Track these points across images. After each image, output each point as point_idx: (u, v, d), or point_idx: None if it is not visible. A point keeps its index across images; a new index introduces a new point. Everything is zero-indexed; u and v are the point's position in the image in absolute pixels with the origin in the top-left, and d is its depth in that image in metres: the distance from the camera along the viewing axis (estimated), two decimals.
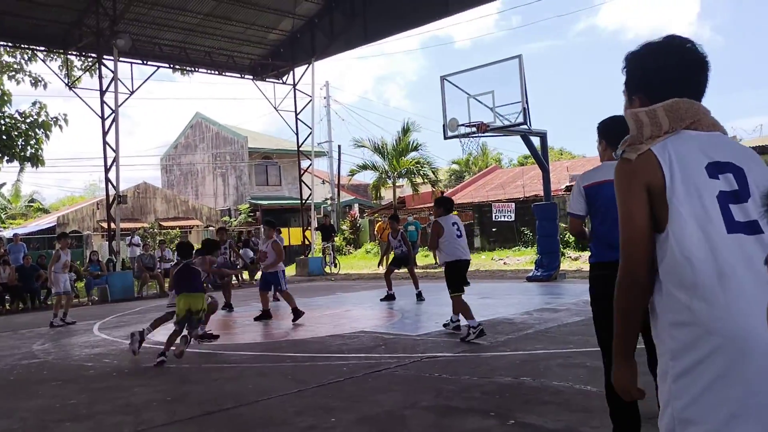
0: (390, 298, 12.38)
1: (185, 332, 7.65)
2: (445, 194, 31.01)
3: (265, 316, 10.83)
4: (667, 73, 1.77)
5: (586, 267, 14.19)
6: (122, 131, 18.24)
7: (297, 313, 10.18)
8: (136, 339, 8.14)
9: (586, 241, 4.15)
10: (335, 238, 25.44)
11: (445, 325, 8.57)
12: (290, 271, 22.72)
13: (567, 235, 21.23)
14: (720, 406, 1.49)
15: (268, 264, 10.67)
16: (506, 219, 20.61)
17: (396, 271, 13.29)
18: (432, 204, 22.56)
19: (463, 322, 8.00)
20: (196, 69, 21.90)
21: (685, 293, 1.56)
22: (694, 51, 1.78)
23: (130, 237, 22.29)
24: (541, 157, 15.48)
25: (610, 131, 3.81)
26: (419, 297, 12.04)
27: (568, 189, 23.48)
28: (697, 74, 1.79)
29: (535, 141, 15.47)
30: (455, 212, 8.59)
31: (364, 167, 29.28)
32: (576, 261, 18.66)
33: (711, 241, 1.56)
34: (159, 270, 18.43)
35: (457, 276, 7.83)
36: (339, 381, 5.97)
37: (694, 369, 1.53)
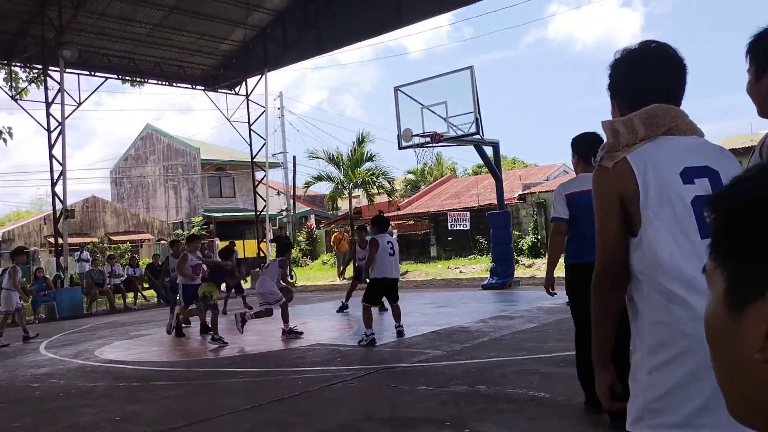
0: (343, 308, 12.27)
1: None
2: (401, 204, 31.13)
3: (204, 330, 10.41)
4: (642, 77, 1.78)
5: (540, 273, 14.48)
6: (70, 144, 17.73)
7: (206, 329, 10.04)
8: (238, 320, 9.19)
9: (559, 246, 4.68)
10: (291, 251, 25.20)
11: (359, 343, 8.30)
12: (245, 283, 22.42)
13: (521, 243, 21.52)
14: (690, 399, 1.53)
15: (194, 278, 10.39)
16: (461, 228, 20.77)
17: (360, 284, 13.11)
18: (388, 213, 22.58)
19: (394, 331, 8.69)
20: (146, 80, 21.52)
21: (662, 296, 1.61)
22: (671, 55, 1.79)
23: (78, 252, 21.67)
24: (494, 166, 15.66)
25: (581, 146, 4.48)
26: (381, 307, 11.72)
27: (522, 197, 23.82)
28: (673, 78, 1.80)
29: (488, 150, 15.64)
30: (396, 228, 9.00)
31: (320, 178, 29.15)
32: (530, 268, 18.90)
33: (682, 249, 1.59)
34: (108, 286, 17.96)
35: (378, 292, 8.52)
36: (294, 395, 5.89)
37: (669, 365, 1.58)
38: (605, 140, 1.78)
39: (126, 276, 18.45)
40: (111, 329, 12.68)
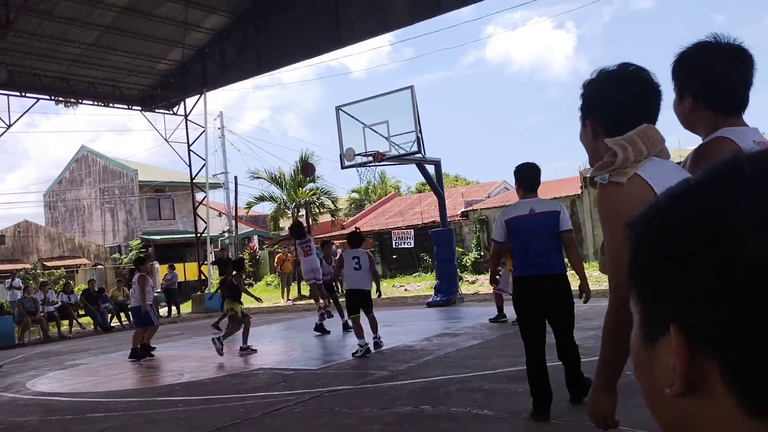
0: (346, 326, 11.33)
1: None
2: (344, 223, 31.07)
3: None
4: (621, 99, 1.77)
5: (483, 290, 14.67)
6: (1, 167, 17.06)
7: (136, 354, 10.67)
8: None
9: (495, 262, 5.95)
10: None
11: (353, 354, 8.73)
12: (186, 308, 21.91)
13: (464, 260, 21.75)
14: None
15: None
16: (406, 246, 20.86)
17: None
18: (332, 234, 22.49)
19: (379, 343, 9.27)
20: (81, 100, 20.94)
21: None
22: (648, 79, 1.78)
23: (9, 279, 20.76)
24: (436, 184, 15.81)
25: (522, 175, 5.36)
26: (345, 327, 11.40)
27: (464, 215, 24.11)
28: (650, 102, 1.78)
29: (430, 169, 15.79)
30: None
31: (262, 198, 28.87)
32: (473, 284, 19.08)
33: None
34: (42, 314, 17.23)
35: (350, 302, 9.11)
36: (235, 423, 5.74)
37: None
38: (605, 158, 1.71)
39: (60, 303, 17.75)
40: (44, 359, 12.15)
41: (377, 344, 9.15)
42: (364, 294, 9.05)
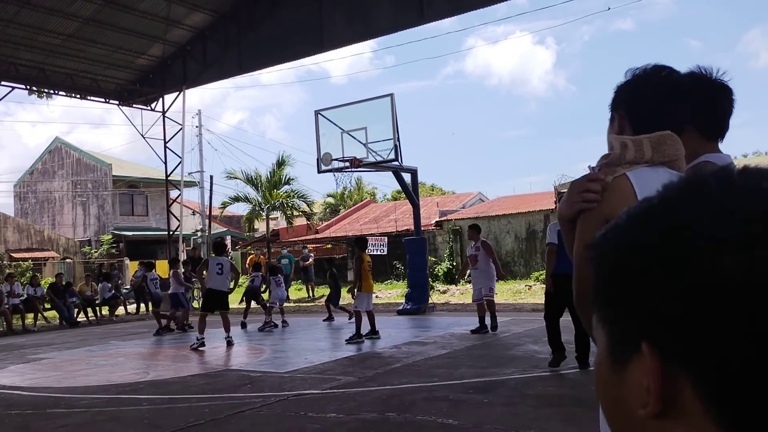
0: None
1: None
2: (319, 227, 31.00)
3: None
4: (652, 98, 1.74)
5: (454, 300, 14.85)
6: None
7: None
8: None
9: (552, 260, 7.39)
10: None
11: (191, 346, 10.64)
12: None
13: (436, 269, 21.83)
14: None
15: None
16: (379, 252, 20.86)
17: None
18: (306, 237, 22.39)
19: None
20: (56, 92, 20.65)
21: None
22: (681, 82, 1.77)
23: None
24: (411, 192, 15.87)
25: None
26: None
27: (438, 224, 24.20)
28: (680, 105, 1.77)
29: (407, 177, 15.86)
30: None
31: (237, 199, 28.65)
32: (444, 294, 19.15)
33: None
34: (7, 306, 16.90)
35: (209, 301, 10.95)
36: (199, 424, 5.70)
37: None
38: (609, 150, 1.70)
39: (26, 296, 17.44)
40: (6, 352, 11.93)
41: (229, 343, 10.78)
42: (224, 295, 11.02)
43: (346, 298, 13.73)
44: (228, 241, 33.53)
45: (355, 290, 10.83)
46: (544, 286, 7.94)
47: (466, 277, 15.28)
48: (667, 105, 1.75)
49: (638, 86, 1.78)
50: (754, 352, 0.46)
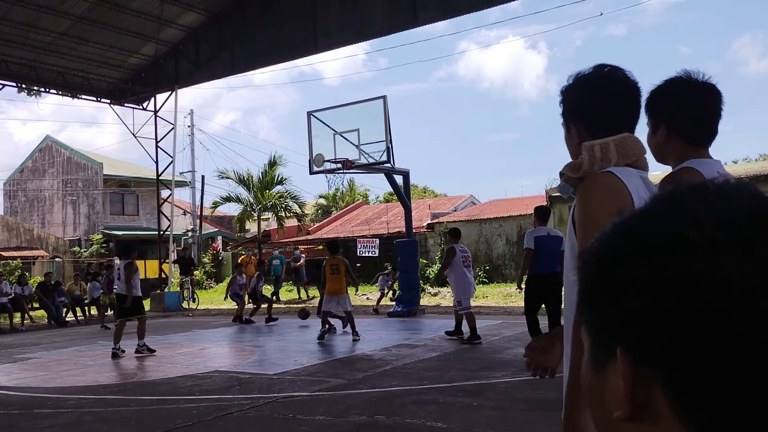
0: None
1: None
2: (311, 229, 30.95)
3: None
4: (601, 102, 1.75)
5: (445, 303, 14.93)
6: None
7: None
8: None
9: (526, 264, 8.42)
10: (195, 272, 24.52)
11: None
12: (145, 306, 21.54)
13: (427, 271, 21.82)
14: None
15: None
16: (370, 254, 20.85)
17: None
18: (297, 238, 22.56)
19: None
20: (48, 90, 20.53)
21: None
22: (624, 78, 1.77)
23: None
24: (403, 194, 15.86)
25: (543, 211, 8.87)
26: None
27: (430, 226, 24.21)
28: (630, 100, 1.77)
29: (399, 179, 15.85)
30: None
31: (228, 199, 28.60)
32: (435, 297, 19.14)
33: None
34: None
35: (130, 307, 10.35)
36: (187, 425, 5.67)
37: None
38: (573, 159, 1.73)
39: (13, 295, 17.31)
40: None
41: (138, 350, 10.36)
42: (139, 300, 10.62)
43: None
44: (219, 241, 33.47)
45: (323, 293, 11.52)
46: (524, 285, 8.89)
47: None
48: (619, 107, 1.75)
49: (585, 91, 1.78)
50: (718, 354, 0.49)
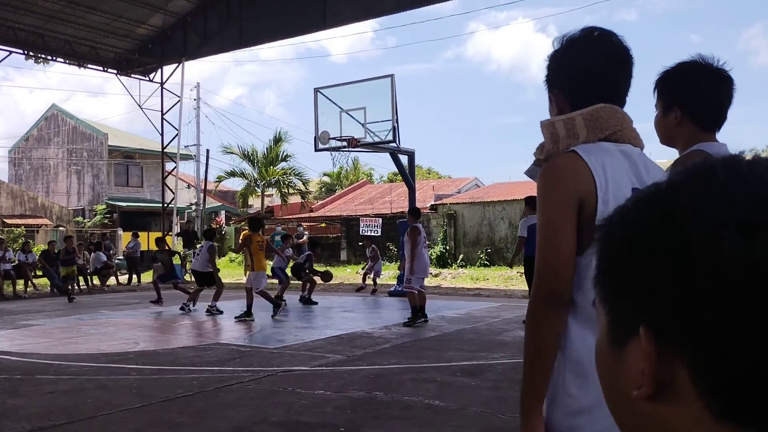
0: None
1: None
2: (314, 206, 30.99)
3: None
4: (578, 66, 1.57)
5: (445, 283, 15.03)
6: None
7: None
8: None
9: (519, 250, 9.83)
10: (197, 245, 24.59)
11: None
12: (147, 277, 21.65)
13: (430, 252, 21.85)
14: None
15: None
16: (373, 233, 20.87)
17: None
18: (300, 215, 22.54)
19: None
20: (55, 58, 20.48)
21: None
22: (613, 43, 1.58)
23: None
24: (408, 175, 15.83)
25: (534, 200, 9.98)
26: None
27: (433, 208, 24.21)
28: (614, 69, 1.58)
29: (404, 159, 15.80)
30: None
31: (233, 174, 28.65)
32: (436, 277, 19.21)
33: None
34: None
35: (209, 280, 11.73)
36: (187, 395, 5.73)
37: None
38: (543, 141, 1.58)
39: (17, 262, 17.41)
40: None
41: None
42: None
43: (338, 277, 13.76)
44: (222, 215, 33.55)
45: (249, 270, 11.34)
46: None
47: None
48: (603, 76, 1.56)
49: (566, 55, 1.59)
50: (747, 337, 0.47)
